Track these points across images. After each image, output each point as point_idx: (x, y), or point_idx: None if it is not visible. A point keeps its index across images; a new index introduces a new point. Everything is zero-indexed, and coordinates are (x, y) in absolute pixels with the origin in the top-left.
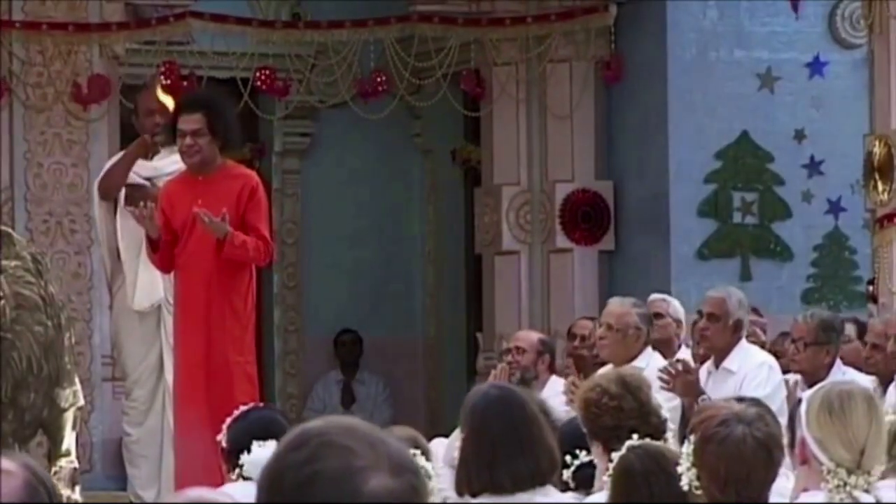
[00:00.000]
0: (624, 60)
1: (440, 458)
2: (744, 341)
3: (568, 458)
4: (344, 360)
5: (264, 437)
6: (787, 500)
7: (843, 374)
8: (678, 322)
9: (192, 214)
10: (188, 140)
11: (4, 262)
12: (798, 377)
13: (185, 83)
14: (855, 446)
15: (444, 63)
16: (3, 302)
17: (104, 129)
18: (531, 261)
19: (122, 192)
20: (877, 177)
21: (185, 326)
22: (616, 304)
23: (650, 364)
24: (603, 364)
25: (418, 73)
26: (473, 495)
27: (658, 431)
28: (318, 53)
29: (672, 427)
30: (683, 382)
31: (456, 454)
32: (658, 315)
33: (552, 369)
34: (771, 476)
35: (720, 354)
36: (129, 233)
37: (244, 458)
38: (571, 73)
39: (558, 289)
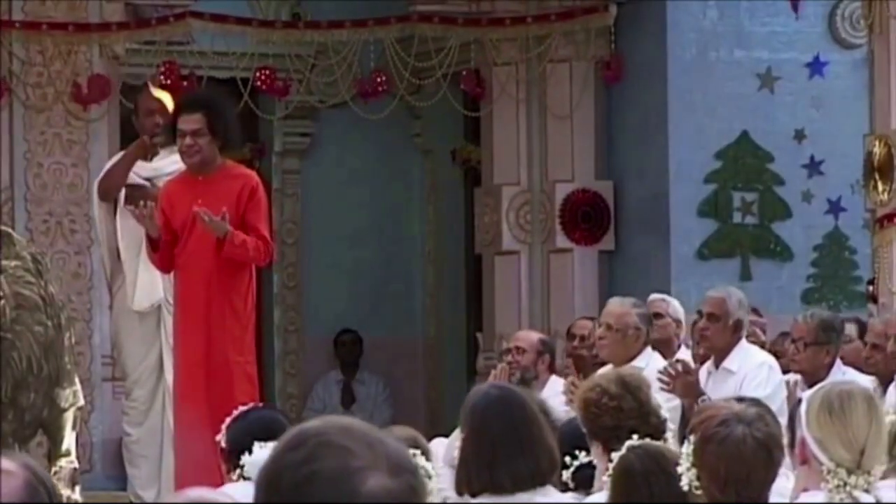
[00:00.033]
0: (624, 60)
1: (440, 458)
2: (744, 341)
3: (567, 458)
4: (344, 360)
5: (265, 438)
6: (787, 500)
7: (843, 374)
8: (678, 322)
9: (192, 214)
10: (188, 140)
11: (4, 262)
12: (798, 377)
13: (185, 83)
14: (855, 446)
15: (444, 63)
16: (3, 302)
17: (104, 129)
18: (531, 261)
19: (122, 192)
20: (877, 177)
21: (185, 326)
22: (616, 304)
23: (650, 364)
24: (602, 364)
25: (418, 73)
26: (473, 495)
27: (658, 431)
28: (318, 53)
29: (672, 427)
30: (683, 383)
31: (456, 454)
32: (658, 315)
33: (552, 369)
34: (771, 476)
35: (720, 354)
36: (129, 233)
37: (245, 458)
38: (571, 73)
39: (558, 289)
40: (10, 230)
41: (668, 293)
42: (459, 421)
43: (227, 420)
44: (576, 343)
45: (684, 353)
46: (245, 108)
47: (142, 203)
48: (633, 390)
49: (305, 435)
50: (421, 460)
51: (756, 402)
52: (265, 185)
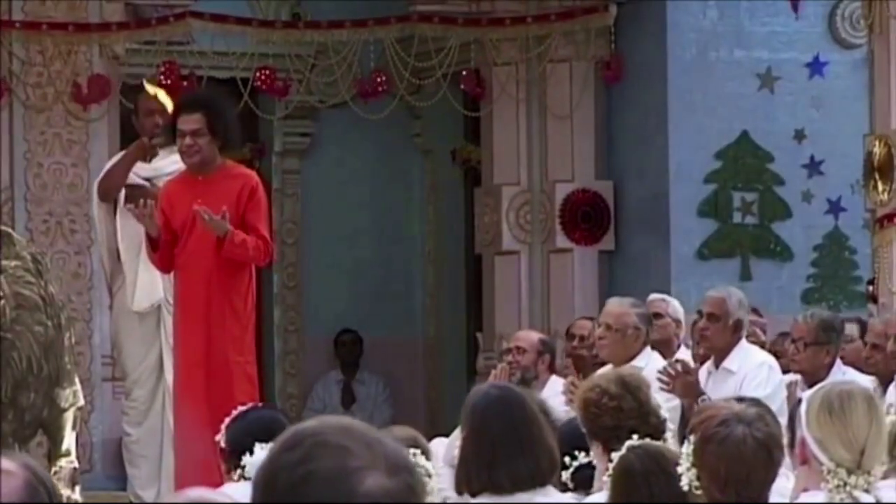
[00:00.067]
0: (624, 60)
1: (440, 457)
2: (744, 341)
3: (567, 459)
4: (344, 360)
5: (265, 438)
6: (787, 500)
7: (843, 374)
8: (677, 322)
9: (192, 214)
10: (188, 140)
11: (4, 262)
12: (798, 377)
13: (185, 83)
14: (855, 446)
15: (444, 63)
16: (3, 302)
17: (104, 129)
18: (531, 261)
19: (122, 192)
20: (877, 177)
21: (185, 326)
22: (615, 304)
23: (649, 364)
24: (602, 364)
25: (418, 73)
26: (473, 495)
27: (658, 431)
28: (318, 53)
29: (671, 427)
30: (683, 383)
31: (456, 453)
32: (657, 315)
33: (552, 369)
34: (771, 476)
35: (720, 354)
36: (129, 234)
37: (246, 459)
38: (571, 73)
39: (558, 289)
40: (10, 230)
41: (668, 293)
42: (460, 420)
43: (227, 420)
44: (575, 343)
45: (684, 353)
46: (245, 108)
47: (142, 201)
48: (633, 390)
49: (302, 435)
50: (421, 460)
51: (756, 402)
52: (265, 185)
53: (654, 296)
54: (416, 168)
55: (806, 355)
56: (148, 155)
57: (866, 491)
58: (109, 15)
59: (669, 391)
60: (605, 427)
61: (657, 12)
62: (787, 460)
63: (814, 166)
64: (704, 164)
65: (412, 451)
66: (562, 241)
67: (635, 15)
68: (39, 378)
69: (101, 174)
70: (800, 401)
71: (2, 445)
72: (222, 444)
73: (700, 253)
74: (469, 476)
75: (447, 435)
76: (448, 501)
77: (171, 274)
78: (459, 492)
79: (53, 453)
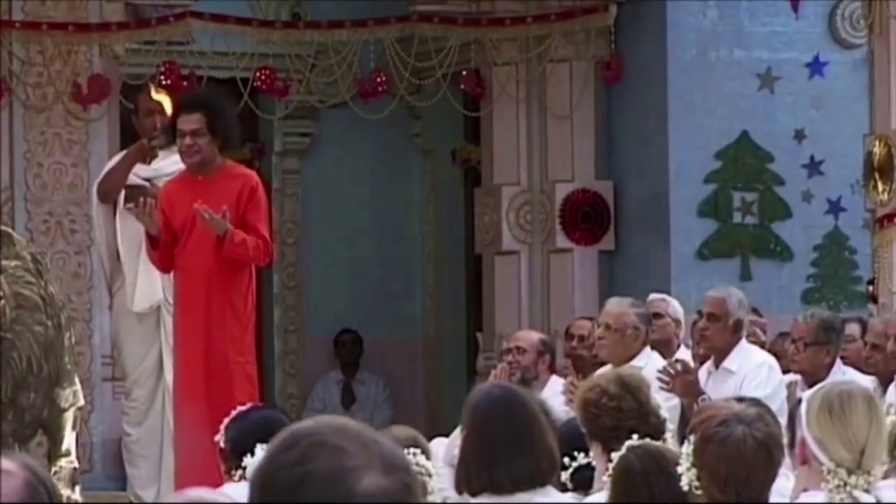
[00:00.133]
0: (624, 60)
1: (440, 457)
2: (744, 341)
3: (566, 459)
4: (344, 360)
5: (266, 438)
6: (787, 500)
7: (843, 374)
8: (677, 322)
9: (192, 214)
10: (188, 140)
11: (4, 262)
12: (798, 377)
13: (185, 83)
14: (855, 446)
15: (444, 63)
16: (3, 302)
17: (104, 129)
18: (531, 261)
19: (122, 193)
20: (877, 177)
21: (184, 326)
22: (614, 304)
23: (649, 364)
24: (602, 364)
25: (418, 73)
26: (473, 494)
27: (657, 432)
28: (318, 53)
29: (671, 427)
30: (683, 382)
31: (456, 452)
32: (657, 315)
33: (552, 369)
34: (771, 476)
35: (720, 354)
36: (129, 235)
37: (248, 460)
38: (571, 73)
39: (558, 289)
40: (10, 230)
41: (668, 293)
42: (460, 420)
43: (226, 420)
44: (574, 343)
45: (684, 353)
46: (245, 108)
47: (141, 200)
48: (633, 390)
49: (299, 435)
50: (421, 459)
51: (756, 402)
52: (265, 185)
53: (653, 296)
54: (416, 168)
55: (806, 355)
56: (147, 157)
57: (866, 491)
58: (109, 15)
59: (669, 390)
60: (605, 427)
61: (657, 12)
62: (787, 460)
63: (814, 166)
64: (704, 164)
65: (412, 450)
66: (562, 241)
67: (635, 15)
68: (39, 378)
69: (101, 176)
70: (800, 401)
71: (2, 445)
72: (221, 445)
73: (700, 253)
74: (469, 475)
75: (447, 435)
76: (448, 501)
77: (171, 274)
78: (459, 491)
79: (53, 453)
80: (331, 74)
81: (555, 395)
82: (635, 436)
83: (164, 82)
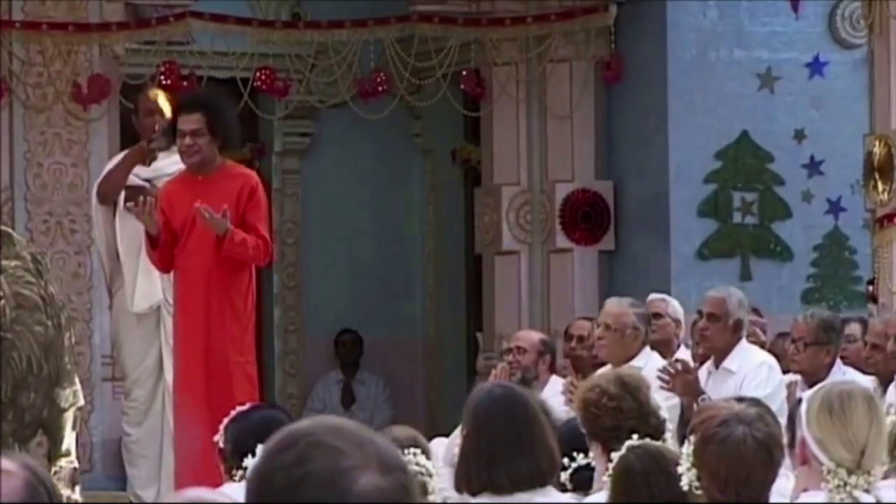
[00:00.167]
0: (624, 60)
1: (440, 457)
2: (744, 341)
3: (565, 460)
4: (344, 360)
5: (267, 438)
6: (787, 500)
7: (843, 374)
8: (677, 322)
9: (192, 214)
10: (188, 140)
11: (4, 262)
12: (798, 377)
13: (185, 83)
14: (855, 446)
15: (444, 63)
16: (3, 302)
17: (104, 129)
18: (531, 261)
19: (122, 194)
20: (877, 177)
21: (184, 326)
22: (614, 304)
23: (648, 364)
24: (601, 365)
25: (418, 73)
26: (473, 494)
27: (657, 432)
28: (318, 53)
29: (671, 427)
30: (683, 382)
31: (456, 451)
32: (657, 315)
33: (553, 369)
34: (771, 476)
35: (720, 354)
36: (129, 236)
37: (249, 461)
38: (571, 73)
39: (558, 289)
40: (10, 230)
41: (668, 293)
42: (460, 420)
43: (225, 420)
44: (573, 343)
45: (683, 353)
46: (245, 108)
47: (141, 199)
48: (633, 391)
49: (296, 436)
50: (421, 459)
51: (756, 402)
52: (265, 185)
53: (653, 296)
54: (416, 168)
55: (806, 355)
56: (147, 159)
57: (866, 491)
58: (109, 15)
59: (669, 389)
60: (605, 427)
61: (657, 12)
62: (787, 460)
63: (814, 166)
64: (704, 164)
65: (412, 450)
66: (562, 241)
67: (635, 15)
68: (39, 378)
69: (100, 177)
70: (800, 401)
71: (2, 445)
72: (220, 445)
73: (700, 253)
74: (469, 475)
75: (447, 435)
76: (448, 501)
77: (171, 274)
78: (459, 490)
79: (53, 453)
80: (331, 74)
81: (555, 395)
82: (635, 436)
83: (164, 82)
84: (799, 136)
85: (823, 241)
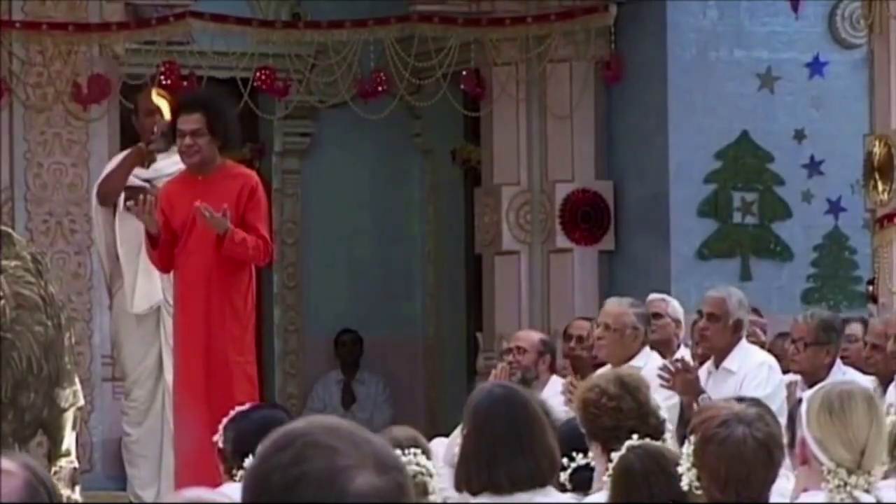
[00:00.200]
0: (624, 60)
1: (440, 457)
2: (744, 341)
3: (565, 460)
4: (344, 360)
5: None
6: (787, 500)
7: (843, 374)
8: (677, 322)
9: (192, 214)
10: (187, 140)
11: (4, 262)
12: (798, 377)
13: (185, 83)
14: (855, 446)
15: (444, 63)
16: (3, 302)
17: (104, 129)
18: (531, 261)
19: (122, 195)
20: (877, 177)
21: (184, 326)
22: (613, 304)
23: (648, 364)
24: (601, 365)
25: (418, 73)
26: (473, 494)
27: (657, 432)
28: (318, 53)
29: (671, 427)
30: (683, 380)
31: (456, 451)
32: (657, 315)
33: (553, 369)
34: (771, 476)
35: (720, 354)
36: (129, 238)
37: (249, 462)
38: (571, 73)
39: (558, 289)
40: (10, 230)
41: (668, 293)
42: (460, 420)
43: (225, 420)
44: (572, 344)
45: (684, 353)
46: (245, 108)
47: (141, 198)
48: (632, 391)
49: (292, 436)
50: (422, 459)
51: (756, 402)
52: (265, 185)
53: (653, 296)
54: (416, 168)
55: (806, 355)
56: (146, 161)
57: (866, 491)
58: (109, 15)
59: (669, 388)
60: (605, 427)
61: (657, 12)
62: (787, 460)
63: (814, 166)
64: (704, 164)
65: (412, 450)
66: (562, 241)
67: (635, 15)
68: (39, 378)
69: (100, 179)
70: (800, 401)
71: (2, 445)
72: (220, 445)
73: (700, 253)
74: (469, 474)
75: (447, 435)
76: (448, 501)
77: (171, 274)
78: (459, 490)
79: (53, 453)
80: (331, 74)
81: (555, 395)
82: (635, 436)
83: (164, 82)
84: (799, 136)
85: (823, 241)
